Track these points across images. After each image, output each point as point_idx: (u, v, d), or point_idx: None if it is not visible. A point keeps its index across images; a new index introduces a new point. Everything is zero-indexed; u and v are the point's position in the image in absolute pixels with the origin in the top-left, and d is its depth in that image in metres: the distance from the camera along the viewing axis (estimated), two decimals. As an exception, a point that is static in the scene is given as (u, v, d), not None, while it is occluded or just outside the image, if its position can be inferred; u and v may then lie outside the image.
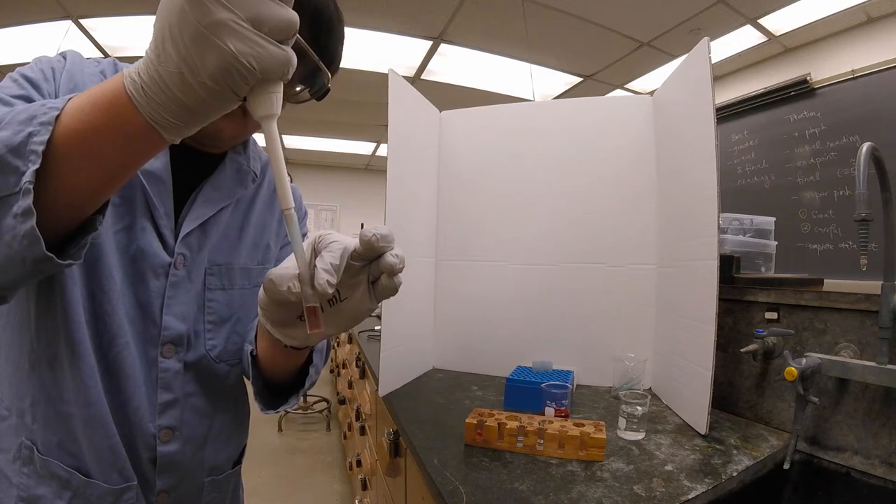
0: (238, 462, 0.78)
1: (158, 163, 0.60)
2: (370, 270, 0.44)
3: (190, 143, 0.61)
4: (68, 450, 0.58)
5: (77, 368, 0.57)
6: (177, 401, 0.64)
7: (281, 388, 0.66)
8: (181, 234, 0.62)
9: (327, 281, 0.39)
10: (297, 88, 0.58)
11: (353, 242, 0.43)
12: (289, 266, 0.42)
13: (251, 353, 0.62)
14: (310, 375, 0.66)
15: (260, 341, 0.61)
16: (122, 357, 0.59)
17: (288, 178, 0.39)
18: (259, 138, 0.75)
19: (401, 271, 0.43)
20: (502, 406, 1.15)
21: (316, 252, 0.42)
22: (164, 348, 0.62)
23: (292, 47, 0.52)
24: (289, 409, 0.67)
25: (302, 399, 3.90)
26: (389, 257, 0.42)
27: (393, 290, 0.44)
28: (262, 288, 0.43)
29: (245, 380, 0.73)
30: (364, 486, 1.90)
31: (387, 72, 1.21)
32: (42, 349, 0.57)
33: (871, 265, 0.80)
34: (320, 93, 0.58)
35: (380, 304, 0.45)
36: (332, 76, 0.59)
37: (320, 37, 0.57)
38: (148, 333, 0.61)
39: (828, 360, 0.91)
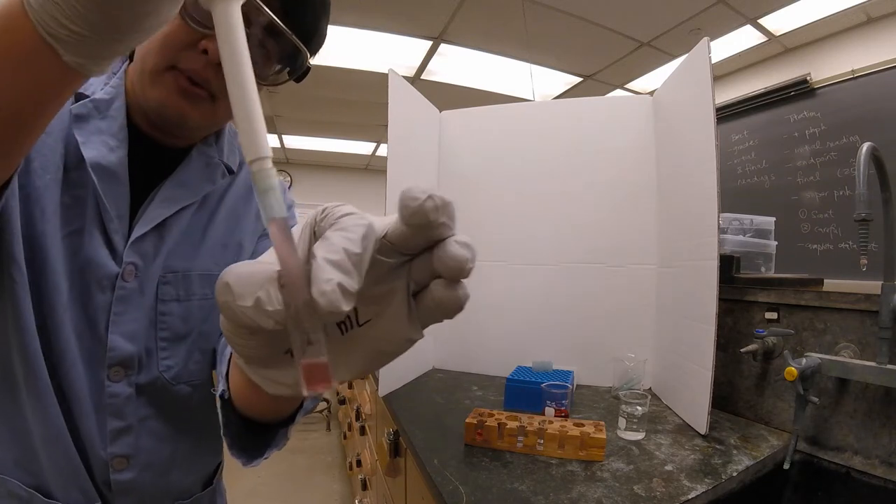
0: (210, 483, 0.70)
1: (114, 156, 0.52)
2: (411, 272, 0.26)
3: (154, 134, 0.56)
4: (27, 468, 0.54)
5: (32, 383, 0.51)
6: (129, 428, 0.57)
7: (253, 425, 0.49)
8: (131, 240, 0.54)
9: (339, 286, 0.21)
10: (275, 69, 0.52)
11: (382, 222, 0.25)
12: (263, 261, 0.25)
13: (222, 394, 0.47)
14: (296, 420, 0.50)
15: (234, 372, 0.46)
16: (70, 378, 0.53)
17: (259, 109, 0.25)
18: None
19: (470, 272, 0.25)
20: (502, 406, 1.15)
21: (316, 235, 0.24)
22: (112, 371, 0.55)
23: (264, 27, 0.47)
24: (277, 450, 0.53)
25: (302, 399, 3.92)
26: (454, 246, 0.24)
27: (456, 306, 0.26)
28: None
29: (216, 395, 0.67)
30: (364, 486, 1.91)
31: (387, 72, 1.21)
32: None
33: (871, 265, 0.80)
34: (298, 73, 0.53)
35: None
36: (311, 55, 0.53)
37: (294, 10, 0.50)
38: (95, 354, 0.54)
39: (828, 360, 0.91)
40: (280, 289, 0.23)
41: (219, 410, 0.49)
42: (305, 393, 0.23)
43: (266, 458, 0.53)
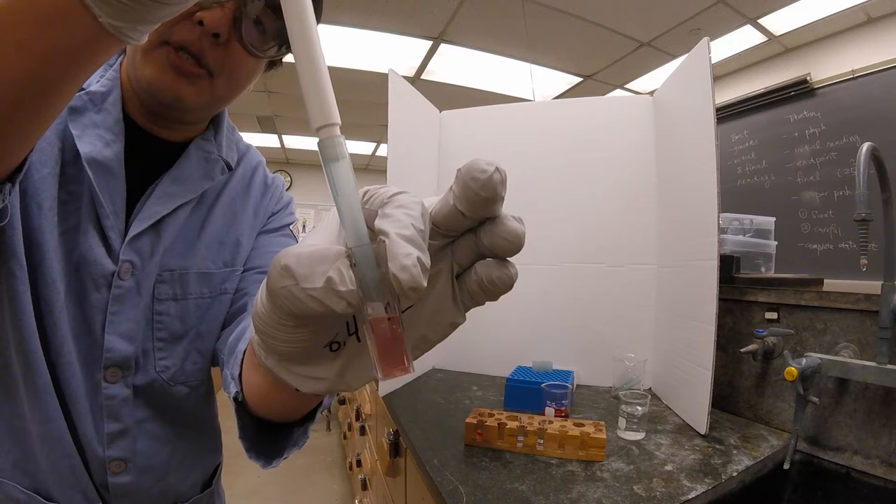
0: (209, 485, 0.69)
1: (109, 151, 0.51)
2: (454, 254, 0.26)
3: (151, 128, 0.55)
4: (25, 469, 0.53)
5: (31, 382, 0.50)
6: (126, 431, 0.56)
7: (271, 426, 0.48)
8: (128, 237, 0.53)
9: (418, 260, 0.21)
10: (272, 45, 0.51)
11: (427, 202, 0.25)
12: (320, 241, 0.24)
13: (235, 397, 0.45)
14: (315, 417, 0.48)
15: (250, 373, 0.43)
16: (66, 378, 0.52)
17: (326, 73, 0.24)
18: (245, 134, 0.69)
19: (520, 249, 0.25)
20: (502, 406, 1.15)
21: (370, 212, 0.24)
22: (108, 372, 0.54)
23: (262, 3, 0.46)
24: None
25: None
26: (511, 221, 0.25)
27: (508, 284, 0.25)
28: (262, 290, 0.25)
29: (215, 393, 0.66)
30: (364, 486, 1.90)
31: (387, 72, 1.21)
32: None
33: (871, 265, 0.80)
34: None
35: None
36: None
37: None
38: (91, 354, 0.53)
39: (828, 360, 0.91)
40: (348, 267, 0.22)
41: (235, 415, 0.46)
42: (382, 379, 0.23)
43: (286, 458, 0.51)
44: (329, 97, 0.23)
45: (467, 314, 0.27)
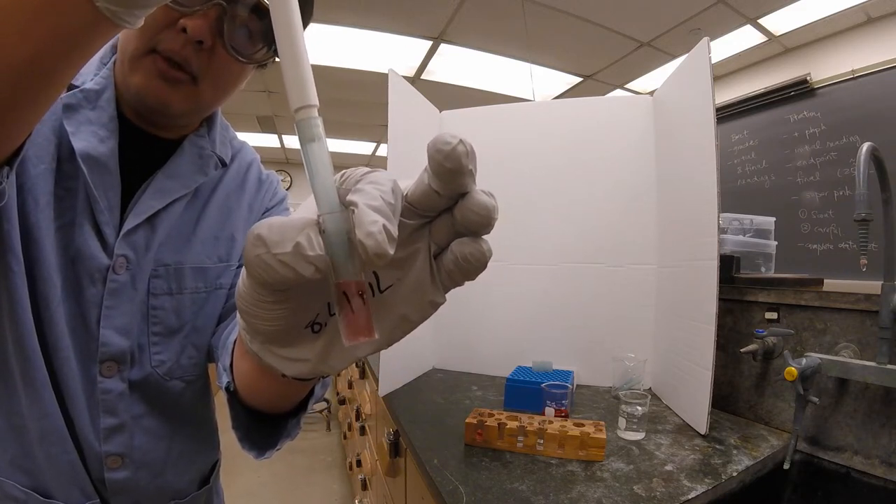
0: (206, 482, 0.69)
1: (104, 147, 0.52)
2: (431, 234, 0.26)
3: (145, 126, 0.56)
4: (23, 467, 0.53)
5: (29, 377, 0.51)
6: (123, 425, 0.56)
7: (263, 417, 0.50)
8: (122, 232, 0.53)
9: (385, 227, 0.21)
10: (260, 48, 0.52)
11: (402, 184, 0.25)
12: (297, 215, 0.25)
13: (227, 387, 0.47)
14: (307, 408, 0.49)
15: (240, 362, 0.45)
16: (64, 373, 0.52)
17: (307, 57, 0.24)
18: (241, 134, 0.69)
19: (494, 224, 0.25)
20: (502, 406, 1.15)
21: (339, 195, 0.24)
22: (104, 366, 0.54)
23: (249, 7, 0.47)
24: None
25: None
26: (480, 194, 0.25)
27: (481, 261, 0.25)
28: (243, 269, 0.25)
29: (211, 390, 0.66)
30: (364, 486, 1.90)
31: (387, 72, 1.21)
32: None
33: (871, 265, 0.80)
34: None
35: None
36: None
37: None
38: (87, 348, 0.53)
39: (828, 360, 0.91)
40: (318, 233, 0.23)
41: (229, 406, 0.48)
42: (347, 344, 0.23)
43: (279, 449, 0.52)
44: (308, 80, 0.24)
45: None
